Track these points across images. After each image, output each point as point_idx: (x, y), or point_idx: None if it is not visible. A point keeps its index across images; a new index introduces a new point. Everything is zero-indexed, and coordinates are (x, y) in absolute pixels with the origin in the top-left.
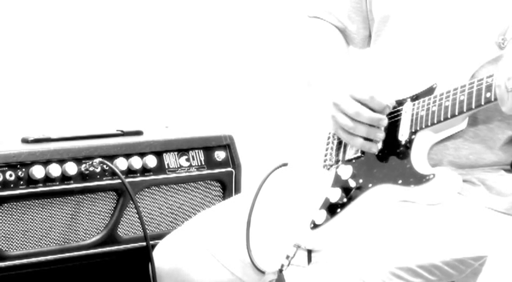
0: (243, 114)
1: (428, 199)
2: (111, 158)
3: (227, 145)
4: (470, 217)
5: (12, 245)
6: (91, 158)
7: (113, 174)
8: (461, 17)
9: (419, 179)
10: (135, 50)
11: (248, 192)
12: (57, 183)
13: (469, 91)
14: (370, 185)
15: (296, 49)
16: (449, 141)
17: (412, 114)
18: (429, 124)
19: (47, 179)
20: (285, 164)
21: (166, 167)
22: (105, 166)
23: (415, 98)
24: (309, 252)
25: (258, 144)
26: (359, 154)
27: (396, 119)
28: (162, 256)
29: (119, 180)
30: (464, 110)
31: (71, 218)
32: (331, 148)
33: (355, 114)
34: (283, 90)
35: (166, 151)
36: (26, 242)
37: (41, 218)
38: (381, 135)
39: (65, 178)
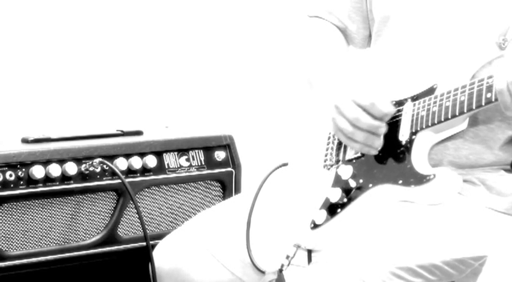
0: (243, 114)
1: (428, 199)
2: (111, 158)
3: (227, 145)
4: (471, 217)
5: (12, 245)
6: (91, 158)
7: (113, 174)
8: (461, 18)
9: (420, 179)
10: (135, 50)
11: (248, 192)
12: (57, 183)
13: (469, 91)
14: (370, 185)
15: (296, 49)
16: (449, 142)
17: (413, 115)
18: (430, 124)
19: (47, 179)
20: (285, 164)
21: (166, 167)
22: (105, 166)
23: (415, 98)
24: (309, 252)
25: (258, 144)
26: (359, 154)
27: (397, 119)
28: (162, 256)
29: (119, 180)
30: (465, 111)
31: (71, 218)
32: (332, 148)
33: (355, 120)
34: (284, 90)
35: (166, 151)
36: (26, 242)
37: (41, 218)
38: (378, 143)
39: (65, 178)
